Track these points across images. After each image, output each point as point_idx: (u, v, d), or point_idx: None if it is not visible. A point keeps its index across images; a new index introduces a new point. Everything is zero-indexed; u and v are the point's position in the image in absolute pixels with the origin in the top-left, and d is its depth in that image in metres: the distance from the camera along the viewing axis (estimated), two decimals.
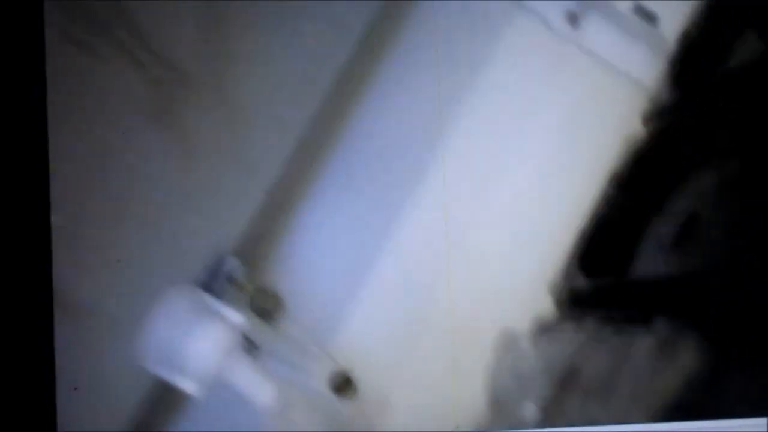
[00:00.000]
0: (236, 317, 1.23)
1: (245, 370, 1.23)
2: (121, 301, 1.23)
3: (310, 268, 1.29)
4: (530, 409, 1.21)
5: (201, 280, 1.25)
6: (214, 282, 1.26)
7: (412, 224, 1.30)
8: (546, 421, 1.22)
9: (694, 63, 1.27)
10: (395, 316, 1.28)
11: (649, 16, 1.28)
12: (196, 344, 1.22)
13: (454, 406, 1.27)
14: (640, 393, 1.20)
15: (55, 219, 1.24)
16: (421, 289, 1.29)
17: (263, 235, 1.28)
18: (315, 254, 1.29)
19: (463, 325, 1.27)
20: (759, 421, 0.96)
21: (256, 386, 1.22)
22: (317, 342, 1.28)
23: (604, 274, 1.24)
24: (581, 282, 1.25)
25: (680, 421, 1.01)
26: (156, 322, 1.24)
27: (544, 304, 1.26)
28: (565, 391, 1.21)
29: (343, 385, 1.28)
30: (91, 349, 1.22)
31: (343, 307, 1.29)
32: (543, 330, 1.24)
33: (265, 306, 1.26)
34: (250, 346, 1.26)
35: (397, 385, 1.28)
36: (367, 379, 1.28)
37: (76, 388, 1.24)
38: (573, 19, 1.28)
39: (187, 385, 1.23)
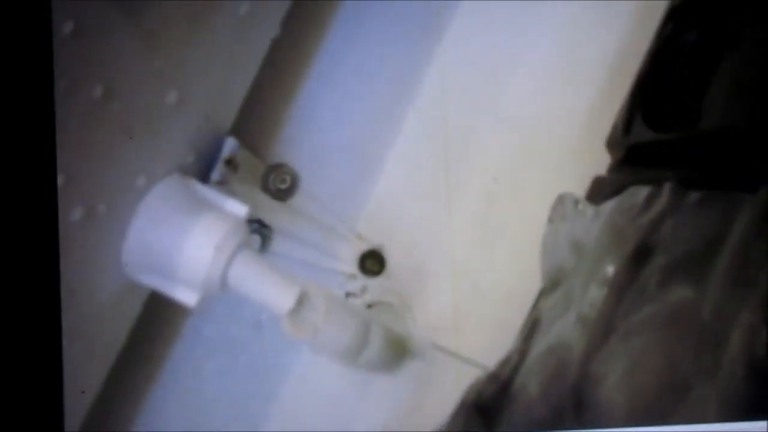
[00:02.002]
0: (238, 207, 0.99)
1: (253, 270, 0.99)
2: (100, 198, 0.97)
3: (322, 141, 1.08)
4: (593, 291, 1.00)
5: (194, 167, 1.00)
6: (210, 168, 1.02)
7: (435, 81, 1.06)
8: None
9: None
10: (424, 183, 1.09)
11: None
12: (191, 244, 0.98)
13: (493, 281, 1.08)
14: (736, 271, 0.99)
15: None
16: (451, 152, 1.09)
17: (267, 106, 1.04)
18: (325, 125, 1.05)
19: (503, 190, 1.09)
20: (759, 425, 0.90)
21: (265, 289, 0.98)
22: (338, 219, 1.07)
23: (670, 126, 1.03)
24: (645, 136, 1.04)
25: (681, 425, 0.93)
26: (141, 221, 0.99)
27: (602, 166, 1.05)
28: (639, 267, 1.00)
29: (371, 263, 1.09)
30: (69, 261, 0.96)
31: (362, 181, 1.11)
32: (604, 195, 1.03)
33: (279, 185, 1.02)
34: (264, 233, 1.02)
35: (429, 259, 1.09)
36: (396, 255, 1.10)
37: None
38: None
39: (183, 294, 0.98)
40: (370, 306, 1.09)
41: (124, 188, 0.98)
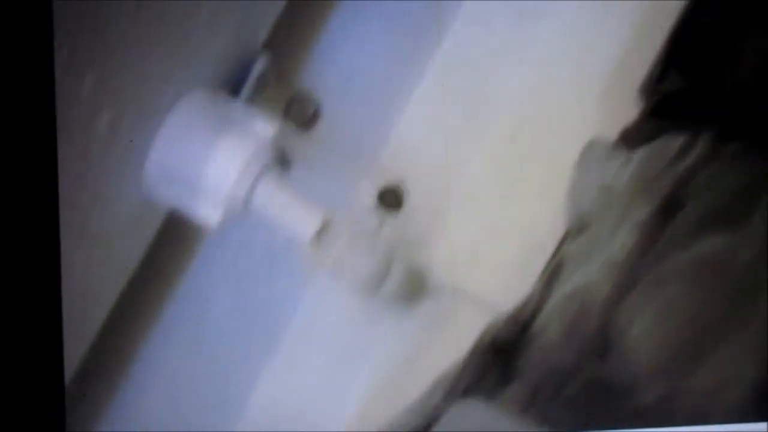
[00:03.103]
0: (266, 127, 0.96)
1: (278, 192, 0.96)
2: (128, 105, 0.94)
3: (348, 73, 1.06)
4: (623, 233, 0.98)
5: (223, 82, 0.97)
6: (239, 84, 0.98)
7: (465, 19, 1.05)
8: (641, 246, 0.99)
9: None
10: (447, 121, 1.06)
11: None
12: (217, 161, 0.95)
13: (514, 223, 1.05)
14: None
15: None
16: (476, 92, 1.06)
17: (296, 29, 1.01)
18: (352, 56, 1.02)
19: (528, 132, 1.05)
20: (759, 426, 0.90)
21: (290, 213, 0.96)
22: (359, 153, 1.03)
23: (707, 74, 1.01)
24: (680, 84, 1.01)
25: (681, 426, 0.92)
26: (167, 135, 0.96)
27: (633, 113, 1.03)
28: (671, 215, 0.98)
29: (390, 198, 1.05)
30: (92, 169, 0.93)
31: (385, 116, 1.06)
32: (636, 142, 1.01)
33: (302, 113, 1.00)
34: (282, 161, 0.99)
35: (449, 198, 1.06)
36: (416, 192, 1.06)
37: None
38: None
39: (204, 213, 0.96)
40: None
41: (152, 98, 0.95)
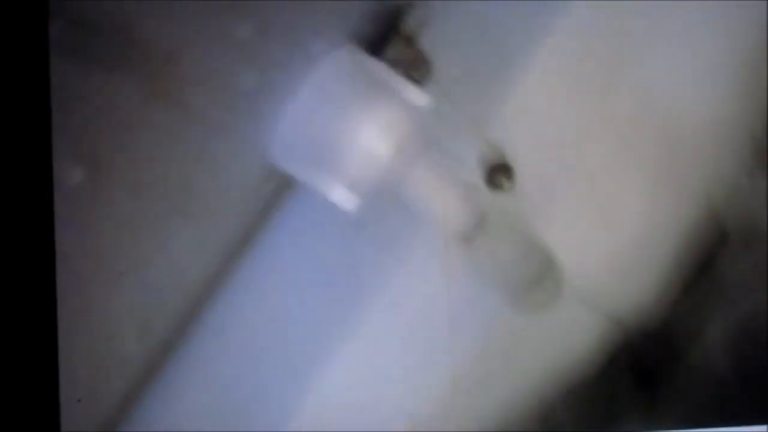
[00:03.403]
0: (420, 97, 0.80)
1: (434, 179, 0.80)
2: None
3: (465, 35, 0.90)
4: None
5: (368, 41, 0.80)
6: (382, 43, 0.82)
7: None
8: None
9: None
10: (568, 98, 0.93)
11: None
12: (365, 136, 0.78)
13: (631, 212, 0.93)
14: None
15: None
16: (606, 69, 0.93)
17: None
18: (471, 17, 0.89)
19: (656, 116, 0.93)
20: (759, 429, 0.86)
21: (448, 203, 0.80)
22: (468, 123, 0.88)
23: None
24: None
25: (681, 428, 0.86)
26: (307, 97, 0.78)
27: None
28: None
29: (501, 176, 0.90)
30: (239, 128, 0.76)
31: (500, 86, 0.91)
32: None
33: (413, 73, 0.84)
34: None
35: (560, 184, 0.93)
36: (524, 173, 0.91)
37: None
38: None
39: (343, 196, 0.79)
40: None
41: (297, 55, 0.77)
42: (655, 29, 0.96)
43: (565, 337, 0.93)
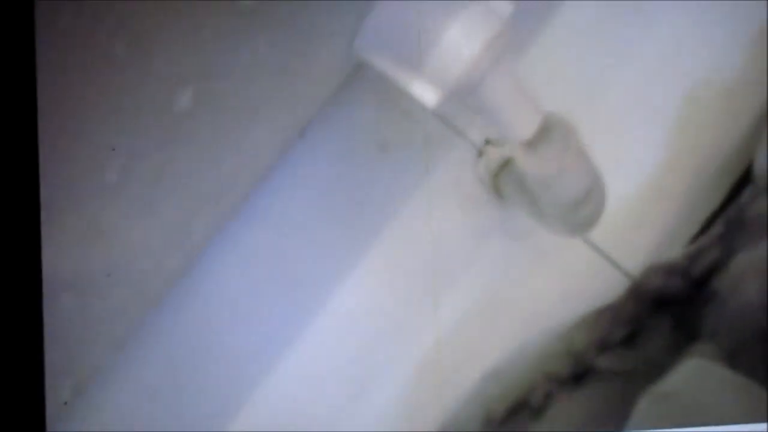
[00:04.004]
0: (505, 4, 0.82)
1: (512, 82, 0.82)
2: None
3: None
4: None
5: None
6: None
7: None
8: None
9: None
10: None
11: None
12: (452, 35, 0.80)
13: (644, 162, 0.96)
14: None
15: None
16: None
17: None
18: None
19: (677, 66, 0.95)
20: (759, 427, 0.88)
21: (518, 108, 0.82)
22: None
23: None
24: None
25: (681, 427, 0.87)
26: None
27: None
28: None
29: None
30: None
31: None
32: None
33: None
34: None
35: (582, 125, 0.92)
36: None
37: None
38: None
39: (423, 91, 0.80)
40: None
41: None
42: None
43: (576, 284, 0.95)
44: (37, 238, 0.87)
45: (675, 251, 0.95)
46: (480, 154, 0.94)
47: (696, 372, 0.83)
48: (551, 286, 0.95)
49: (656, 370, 0.88)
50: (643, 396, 0.84)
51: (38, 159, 0.88)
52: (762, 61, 0.97)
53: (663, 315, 0.91)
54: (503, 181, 0.93)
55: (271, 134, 0.90)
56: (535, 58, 0.96)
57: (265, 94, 0.90)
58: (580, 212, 0.87)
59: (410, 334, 0.93)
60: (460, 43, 0.79)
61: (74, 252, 0.90)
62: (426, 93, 0.80)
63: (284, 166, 0.93)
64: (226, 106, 0.90)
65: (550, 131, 0.83)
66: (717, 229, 0.94)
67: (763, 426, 0.86)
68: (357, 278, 0.93)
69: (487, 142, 0.94)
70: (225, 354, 0.91)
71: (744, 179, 0.96)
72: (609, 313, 0.92)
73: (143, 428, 0.91)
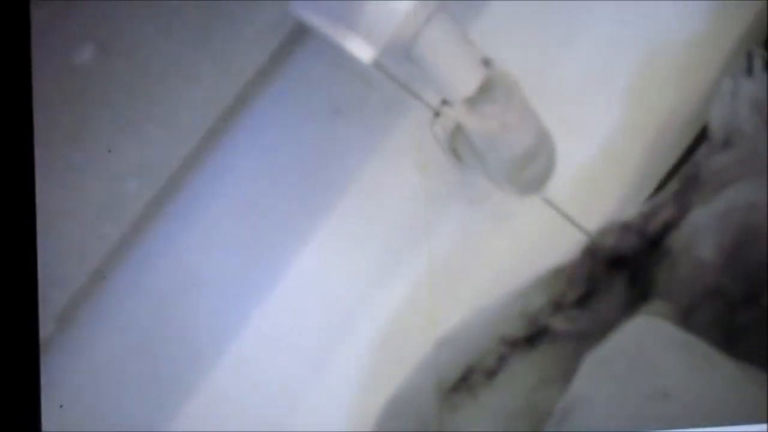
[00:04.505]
0: None
1: (447, 38, 0.80)
2: None
3: None
4: None
5: None
6: None
7: None
8: None
9: None
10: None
11: None
12: None
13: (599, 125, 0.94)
14: None
15: None
16: None
17: None
18: None
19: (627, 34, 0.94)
20: (760, 427, 0.86)
21: (457, 63, 0.81)
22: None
23: None
24: None
25: (681, 428, 0.85)
26: None
27: None
28: None
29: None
30: None
31: None
32: None
33: None
34: None
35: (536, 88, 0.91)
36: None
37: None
38: None
39: (358, 47, 0.79)
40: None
41: None
42: None
43: (536, 246, 0.94)
44: None
45: (633, 211, 0.93)
46: (436, 115, 0.92)
47: (642, 329, 0.81)
48: (511, 249, 0.94)
49: (609, 330, 0.86)
50: (588, 355, 0.83)
51: None
52: (717, 22, 0.95)
53: (618, 274, 0.90)
54: (459, 143, 0.92)
55: (205, 95, 0.88)
56: (487, 23, 0.95)
57: (190, 54, 0.89)
58: (528, 171, 0.85)
59: (367, 300, 0.92)
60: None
61: None
62: (361, 50, 0.78)
63: (240, 133, 0.92)
64: (143, 64, 0.89)
65: (491, 88, 0.82)
66: (672, 186, 0.92)
67: (763, 426, 0.85)
68: (314, 246, 0.92)
69: (444, 103, 0.92)
70: (185, 323, 0.90)
71: (700, 138, 0.95)
72: (564, 273, 0.90)
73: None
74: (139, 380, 0.90)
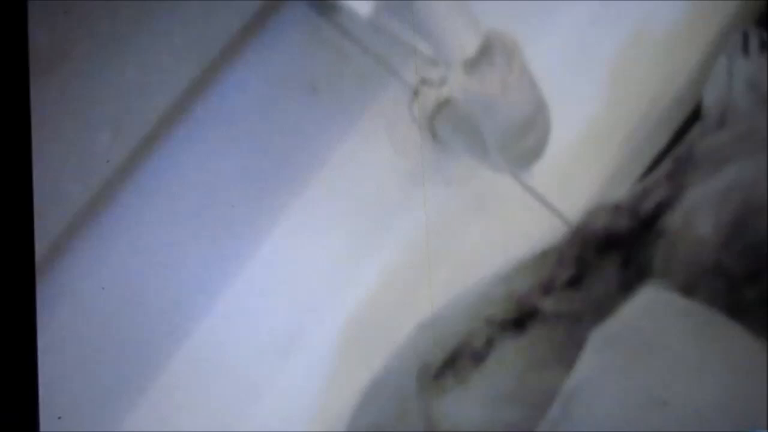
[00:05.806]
0: None
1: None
2: None
3: None
4: None
5: None
6: None
7: None
8: None
9: None
10: None
11: None
12: None
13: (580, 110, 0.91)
14: None
15: None
16: None
17: None
18: None
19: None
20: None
21: (454, 25, 0.77)
22: None
23: None
24: None
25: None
26: None
27: None
28: None
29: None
30: None
31: None
32: None
33: None
34: None
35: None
36: None
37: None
38: None
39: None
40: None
41: None
42: None
43: (514, 230, 0.90)
44: None
45: (617, 194, 0.90)
46: (415, 94, 0.88)
47: (652, 301, 0.77)
48: (488, 232, 0.90)
49: (604, 310, 0.82)
50: (595, 331, 0.79)
51: None
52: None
53: (610, 255, 0.86)
54: (440, 122, 0.88)
55: (175, 65, 0.84)
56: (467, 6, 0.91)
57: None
58: (526, 140, 0.81)
59: (342, 283, 0.87)
60: None
61: None
62: (356, 4, 0.74)
63: (215, 108, 0.87)
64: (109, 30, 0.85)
65: (491, 50, 0.78)
66: (665, 167, 0.89)
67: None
68: (285, 226, 0.87)
69: (423, 82, 0.88)
70: (148, 305, 0.85)
71: (692, 118, 0.92)
72: (554, 255, 0.86)
73: None
74: (93, 364, 0.85)
